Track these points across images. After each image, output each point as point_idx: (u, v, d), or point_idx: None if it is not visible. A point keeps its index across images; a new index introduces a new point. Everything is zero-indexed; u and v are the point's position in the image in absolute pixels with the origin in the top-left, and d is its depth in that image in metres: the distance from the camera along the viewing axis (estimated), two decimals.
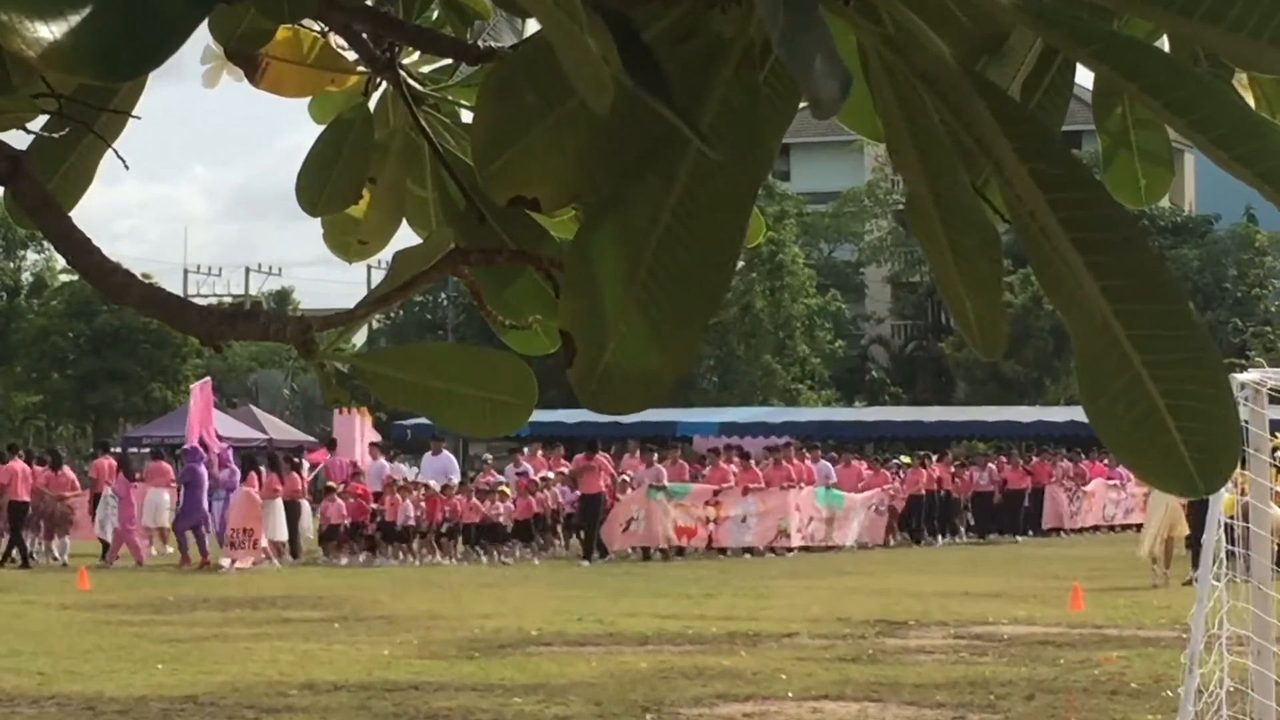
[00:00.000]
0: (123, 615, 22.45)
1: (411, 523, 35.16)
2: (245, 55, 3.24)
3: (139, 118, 3.08)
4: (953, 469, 45.26)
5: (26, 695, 15.35)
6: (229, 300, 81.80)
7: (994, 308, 2.00)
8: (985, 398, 66.33)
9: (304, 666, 17.22)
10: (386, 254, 3.61)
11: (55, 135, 2.94)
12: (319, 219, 3.50)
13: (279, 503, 34.49)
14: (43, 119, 2.91)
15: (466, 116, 3.38)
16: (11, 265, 79.31)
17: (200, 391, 41.44)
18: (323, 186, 3.39)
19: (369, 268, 78.73)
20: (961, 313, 2.00)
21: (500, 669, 17.18)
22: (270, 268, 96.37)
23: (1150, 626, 21.73)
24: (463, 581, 29.31)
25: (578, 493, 37.02)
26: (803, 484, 39.54)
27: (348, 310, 2.33)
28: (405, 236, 3.61)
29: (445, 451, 38.91)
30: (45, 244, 78.21)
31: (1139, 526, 34.90)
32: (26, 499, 33.61)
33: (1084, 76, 2.26)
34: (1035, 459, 48.61)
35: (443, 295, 77.63)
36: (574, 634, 20.51)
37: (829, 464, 42.49)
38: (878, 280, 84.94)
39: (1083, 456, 49.65)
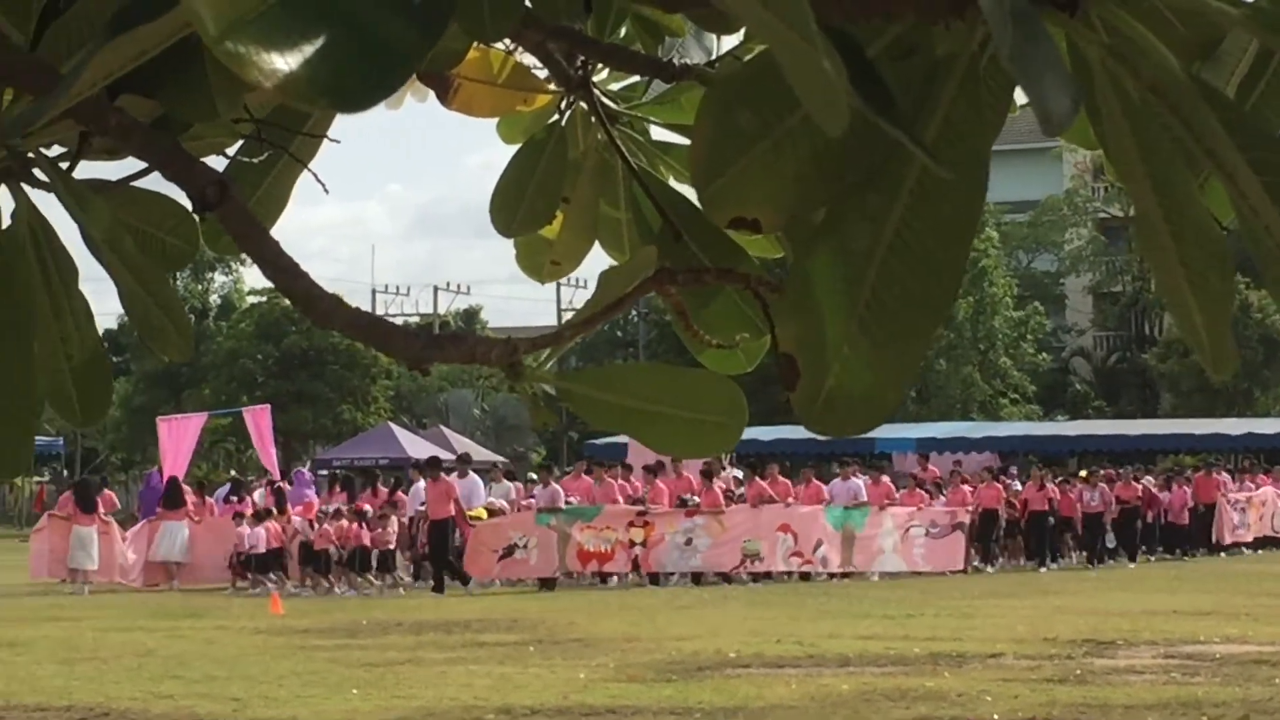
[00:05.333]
0: (316, 640, 22.64)
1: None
2: (437, 76, 3.23)
3: (336, 140, 3.08)
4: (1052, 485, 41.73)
5: None
6: (417, 320, 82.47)
7: (1224, 324, 1.96)
8: (1191, 410, 65.27)
9: (499, 690, 17.24)
10: (576, 273, 3.59)
11: (253, 159, 2.94)
12: (506, 238, 3.49)
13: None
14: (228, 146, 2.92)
15: (658, 134, 3.35)
16: (200, 288, 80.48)
17: (255, 418, 41.86)
18: (517, 207, 3.38)
19: (558, 285, 79.53)
20: (1192, 329, 1.96)
21: (698, 692, 17.11)
22: (458, 286, 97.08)
23: None
24: (659, 603, 29.30)
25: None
26: (788, 502, 35.83)
27: (554, 331, 2.29)
28: (597, 257, 3.59)
29: (471, 474, 36.72)
30: (233, 266, 79.69)
31: None
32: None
33: None
34: (1197, 474, 47.12)
35: (634, 313, 77.93)
36: (773, 656, 20.40)
37: (860, 483, 37.90)
38: (1078, 291, 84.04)
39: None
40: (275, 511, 34.75)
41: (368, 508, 33.82)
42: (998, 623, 24.58)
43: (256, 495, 37.39)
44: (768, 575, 34.90)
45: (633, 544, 33.85)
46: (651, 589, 33.40)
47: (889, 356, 1.92)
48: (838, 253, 1.91)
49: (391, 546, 33.26)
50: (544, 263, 3.54)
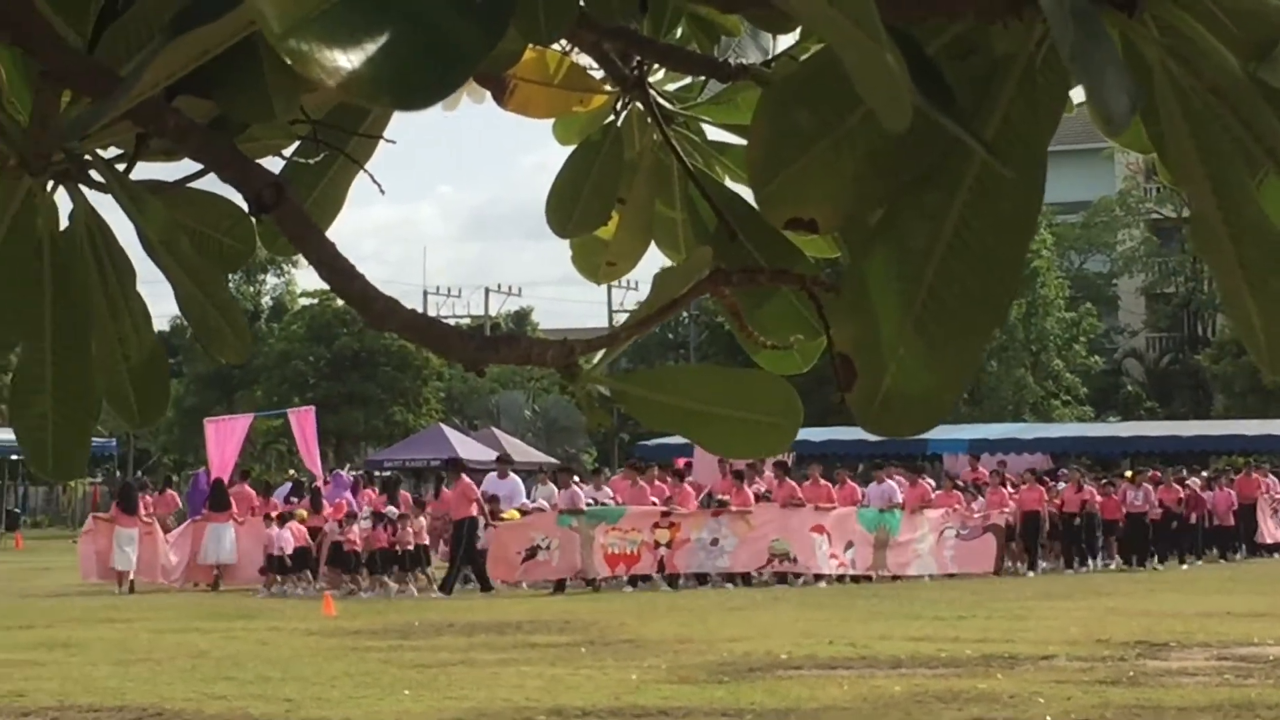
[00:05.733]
0: (369, 641, 22.67)
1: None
2: (493, 77, 3.23)
3: (392, 141, 3.08)
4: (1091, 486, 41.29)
5: None
6: (468, 322, 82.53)
7: None
8: (1244, 411, 64.90)
9: (551, 692, 17.24)
10: (629, 275, 3.59)
11: (309, 161, 2.95)
12: (564, 240, 3.49)
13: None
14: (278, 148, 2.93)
15: (714, 134, 3.34)
16: (251, 289, 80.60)
17: (300, 419, 41.92)
18: (572, 208, 3.38)
19: (609, 287, 79.50)
20: (1249, 330, 1.95)
21: (750, 693, 17.09)
22: (509, 288, 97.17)
23: None
24: (710, 605, 29.27)
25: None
26: (818, 504, 35.13)
27: (610, 333, 2.29)
28: (652, 258, 3.59)
29: (512, 475, 36.44)
30: (285, 267, 79.96)
31: None
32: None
33: None
34: (1238, 475, 46.68)
35: (685, 314, 77.89)
36: (825, 657, 20.36)
37: (894, 485, 37.25)
38: (1131, 292, 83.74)
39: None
40: (308, 513, 34.78)
41: (393, 509, 33.83)
42: (1050, 624, 24.49)
43: (278, 496, 37.45)
44: (817, 578, 34.76)
45: (658, 545, 33.60)
46: (702, 590, 33.36)
47: (946, 357, 1.91)
48: (895, 252, 1.90)
49: (410, 547, 33.07)
50: (600, 264, 3.54)
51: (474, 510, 33.00)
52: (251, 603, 30.84)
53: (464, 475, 34.14)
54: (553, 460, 57.75)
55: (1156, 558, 41.13)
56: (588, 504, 34.21)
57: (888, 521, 35.85)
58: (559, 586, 32.89)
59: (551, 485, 36.22)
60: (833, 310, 2.00)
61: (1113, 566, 40.70)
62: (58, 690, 17.44)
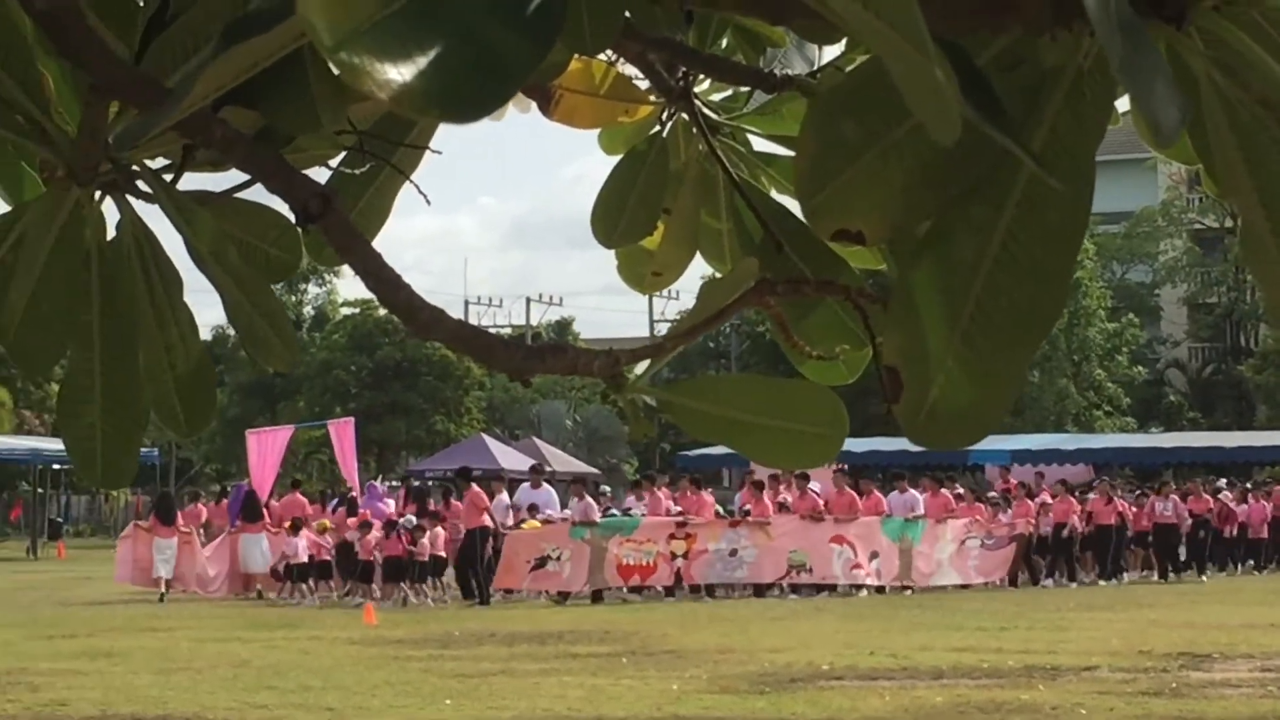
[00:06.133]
0: (410, 650, 22.66)
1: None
2: (539, 88, 3.24)
3: (438, 152, 3.09)
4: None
5: None
6: (509, 331, 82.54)
7: None
8: None
9: (592, 702, 17.23)
10: (673, 285, 3.59)
11: (355, 171, 2.95)
12: (608, 250, 3.49)
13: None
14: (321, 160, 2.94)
15: (759, 145, 3.34)
16: (293, 299, 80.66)
17: (339, 430, 41.99)
18: (618, 219, 3.38)
19: (650, 297, 79.43)
20: None
21: (792, 704, 17.05)
22: (551, 298, 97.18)
23: None
24: (751, 614, 29.21)
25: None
26: (834, 515, 34.66)
27: (656, 343, 2.30)
28: (697, 268, 3.59)
29: (545, 485, 36.14)
30: (327, 277, 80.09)
31: None
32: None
33: None
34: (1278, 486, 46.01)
35: (726, 323, 77.68)
36: (866, 668, 20.30)
37: (917, 494, 36.94)
38: (1173, 302, 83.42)
39: None
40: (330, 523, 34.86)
41: (411, 518, 33.78)
42: (1092, 635, 24.39)
43: (331, 507, 37.50)
44: (857, 589, 34.56)
45: (674, 556, 33.15)
46: (743, 600, 33.28)
47: (994, 369, 1.90)
48: (942, 264, 1.90)
49: (425, 558, 32.92)
50: (645, 274, 3.54)
51: (484, 520, 32.75)
52: (293, 612, 30.88)
53: (474, 485, 33.98)
54: (594, 470, 57.74)
55: (1194, 568, 40.74)
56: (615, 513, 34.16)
57: (911, 532, 35.52)
58: (562, 598, 32.46)
59: (589, 499, 36.08)
60: (880, 322, 2.01)
61: (1139, 578, 40.37)
62: (100, 699, 17.49)
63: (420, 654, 22.16)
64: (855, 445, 46.05)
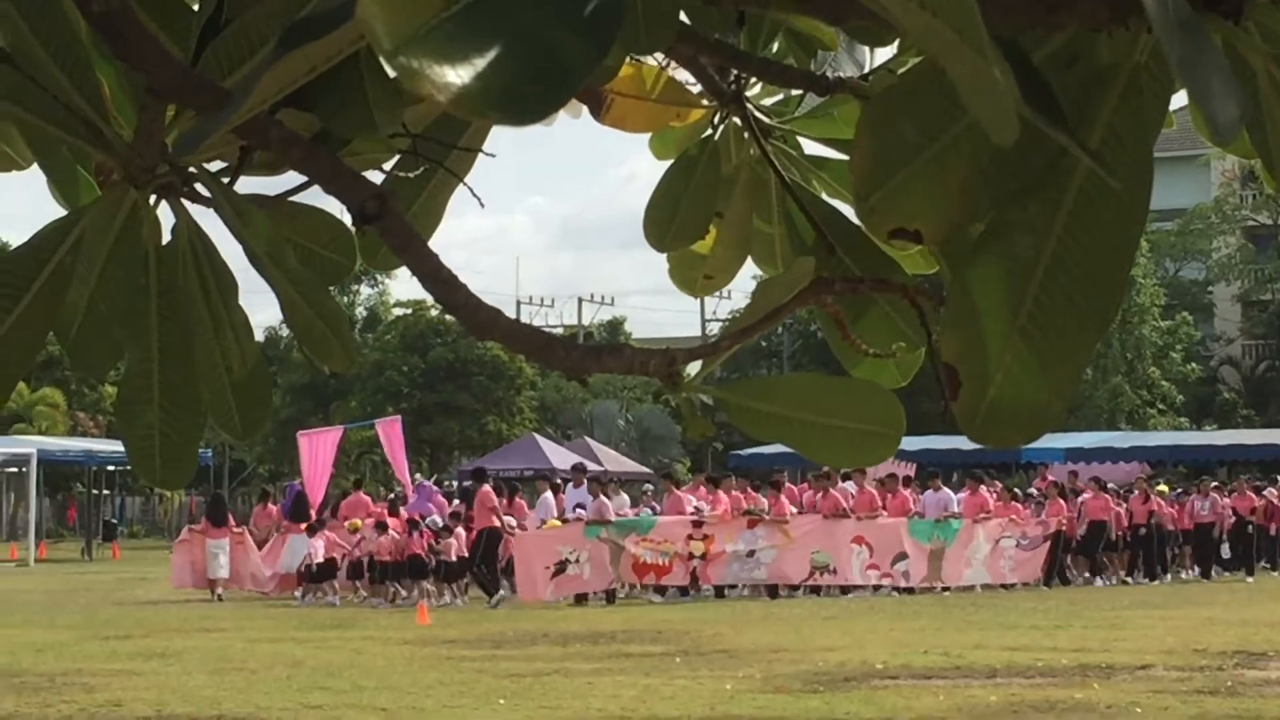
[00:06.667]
0: (463, 651, 22.68)
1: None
2: (591, 92, 3.24)
3: (492, 155, 3.09)
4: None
5: None
6: (561, 331, 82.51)
7: None
8: None
9: (646, 701, 17.22)
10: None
11: (409, 174, 2.96)
12: (660, 252, 3.49)
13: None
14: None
15: (810, 148, 3.34)
16: (345, 299, 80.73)
17: (387, 429, 42.07)
18: (670, 222, 3.38)
19: (701, 298, 79.39)
20: None
21: (846, 703, 17.02)
22: (602, 298, 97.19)
23: None
24: (804, 614, 29.17)
25: None
26: (857, 514, 34.36)
27: (712, 342, 2.30)
28: (747, 269, 3.59)
29: (586, 483, 35.29)
30: (379, 278, 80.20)
31: None
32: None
33: None
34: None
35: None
36: (920, 667, 20.26)
37: (950, 494, 36.73)
38: (1227, 299, 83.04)
39: None
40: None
41: (435, 519, 33.84)
42: (1147, 634, 24.30)
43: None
44: (910, 589, 34.37)
45: (691, 556, 32.75)
46: (796, 599, 33.21)
47: (1052, 368, 1.90)
48: (999, 263, 1.90)
49: (448, 558, 32.81)
50: (697, 277, 3.54)
51: (494, 521, 32.58)
52: (345, 612, 30.97)
53: (485, 485, 33.98)
54: (646, 470, 57.70)
55: (1243, 568, 40.32)
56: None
57: (943, 532, 35.04)
58: (580, 598, 32.17)
59: (624, 495, 36.00)
60: (937, 322, 2.00)
61: (1184, 577, 40.06)
62: (155, 700, 17.56)
63: (474, 654, 22.19)
64: (909, 444, 45.92)
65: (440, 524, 33.29)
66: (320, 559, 34.01)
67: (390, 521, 34.33)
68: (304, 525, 35.48)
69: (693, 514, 33.45)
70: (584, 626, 26.48)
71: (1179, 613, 28.45)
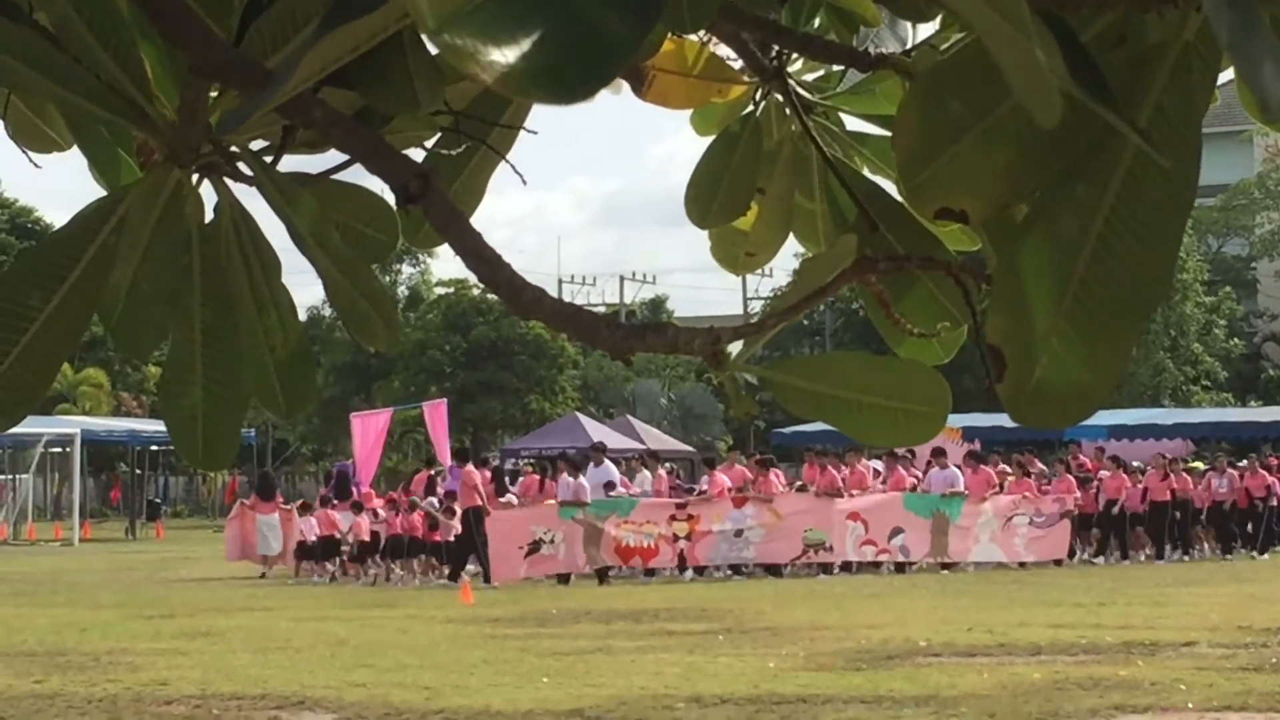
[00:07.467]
0: (507, 629, 22.72)
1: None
2: (632, 68, 3.23)
3: (534, 132, 3.09)
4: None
5: (414, 709, 15.60)
6: (603, 310, 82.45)
7: None
8: None
9: (689, 679, 17.23)
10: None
11: (450, 152, 2.96)
12: (702, 230, 3.49)
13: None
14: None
15: (852, 124, 3.33)
16: (387, 279, 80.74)
17: (432, 412, 42.25)
18: (711, 199, 3.37)
19: (744, 276, 79.27)
20: None
21: (889, 680, 17.01)
22: (644, 276, 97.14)
23: None
24: (847, 591, 29.17)
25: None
26: (852, 491, 34.28)
27: (756, 321, 2.29)
28: (789, 246, 3.58)
29: (607, 462, 35.35)
30: (420, 257, 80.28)
31: None
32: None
33: None
34: None
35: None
36: (963, 644, 20.24)
37: (957, 471, 35.86)
38: (1270, 275, 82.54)
39: None
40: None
41: (432, 500, 34.04)
42: (1191, 611, 24.23)
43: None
44: (902, 567, 34.10)
45: (677, 538, 32.54)
46: (839, 577, 33.19)
47: (1099, 348, 1.89)
48: (1046, 243, 1.88)
49: (449, 538, 33.02)
50: (739, 254, 3.53)
51: (476, 500, 32.49)
52: (389, 591, 31.10)
53: (469, 465, 34.00)
54: (689, 448, 57.68)
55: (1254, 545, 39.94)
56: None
57: (946, 507, 34.71)
58: (564, 579, 31.96)
59: (646, 472, 36.03)
60: (981, 299, 1.99)
61: (1205, 555, 39.77)
62: (200, 679, 17.64)
63: (517, 633, 22.23)
64: (952, 421, 45.88)
65: (438, 506, 33.48)
66: (314, 537, 34.84)
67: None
68: (345, 504, 35.77)
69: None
70: (627, 605, 26.51)
71: (1223, 589, 28.37)
